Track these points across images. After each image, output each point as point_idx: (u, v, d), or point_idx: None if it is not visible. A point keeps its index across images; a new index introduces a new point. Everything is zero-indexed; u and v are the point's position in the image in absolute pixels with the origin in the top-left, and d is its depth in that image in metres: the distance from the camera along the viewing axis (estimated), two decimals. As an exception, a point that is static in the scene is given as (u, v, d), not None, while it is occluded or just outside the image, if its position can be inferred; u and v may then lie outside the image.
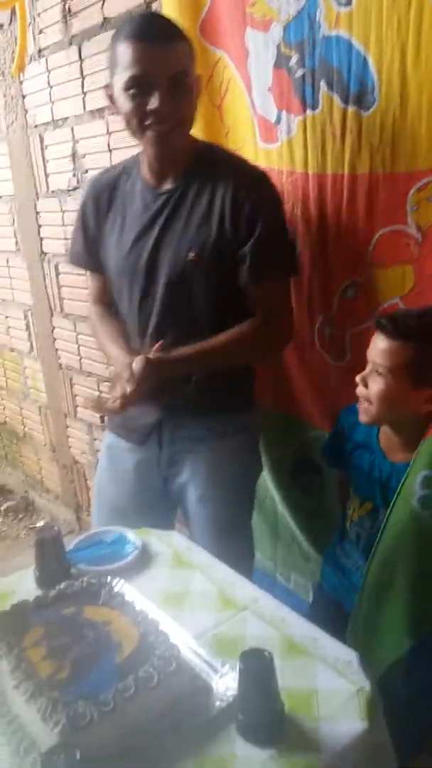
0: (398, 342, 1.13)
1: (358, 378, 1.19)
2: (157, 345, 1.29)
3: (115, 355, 1.40)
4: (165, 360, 1.27)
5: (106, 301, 1.50)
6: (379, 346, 1.15)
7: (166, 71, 1.15)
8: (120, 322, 1.47)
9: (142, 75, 1.15)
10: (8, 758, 0.81)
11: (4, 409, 3.28)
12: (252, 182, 1.30)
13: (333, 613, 1.29)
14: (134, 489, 1.51)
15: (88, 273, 1.55)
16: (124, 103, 1.21)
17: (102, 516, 1.57)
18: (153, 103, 1.16)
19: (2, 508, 3.16)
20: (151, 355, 1.26)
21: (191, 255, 1.28)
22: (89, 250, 1.47)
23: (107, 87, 1.25)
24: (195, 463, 1.44)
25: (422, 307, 1.21)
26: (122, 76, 1.18)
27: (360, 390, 1.19)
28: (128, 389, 1.22)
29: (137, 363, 1.23)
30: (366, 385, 1.18)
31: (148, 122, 1.20)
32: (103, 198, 1.41)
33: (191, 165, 1.31)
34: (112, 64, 1.22)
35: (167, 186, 1.33)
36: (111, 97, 1.25)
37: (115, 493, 1.54)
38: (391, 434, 1.23)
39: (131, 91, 1.18)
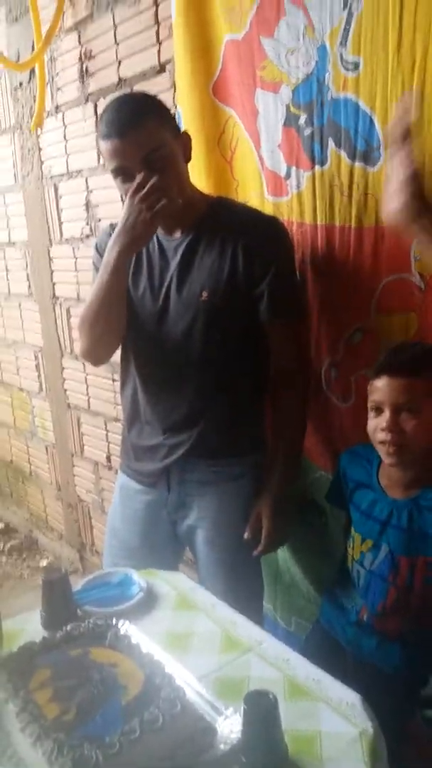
0: (414, 376, 1.15)
1: (383, 426, 1.17)
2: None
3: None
4: (279, 500, 1.42)
5: None
6: (393, 386, 1.16)
7: (138, 155, 1.25)
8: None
9: (121, 166, 1.28)
10: (13, 801, 0.82)
11: (11, 448, 3.30)
12: (268, 227, 1.37)
13: (328, 647, 1.29)
14: (144, 529, 1.52)
15: None
16: (119, 187, 1.33)
17: (113, 554, 1.59)
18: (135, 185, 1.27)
19: (6, 546, 3.16)
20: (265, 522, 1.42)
21: (204, 295, 1.33)
22: None
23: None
24: (203, 505, 1.45)
25: (410, 343, 1.26)
26: (109, 167, 1.31)
27: (389, 437, 1.17)
28: None
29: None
30: (395, 430, 1.16)
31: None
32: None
33: (203, 215, 1.38)
34: (102, 155, 1.34)
35: (176, 235, 1.39)
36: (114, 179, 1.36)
37: (125, 532, 1.56)
38: (395, 472, 1.24)
39: (119, 179, 1.31)
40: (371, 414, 1.21)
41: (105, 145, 1.28)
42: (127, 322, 1.43)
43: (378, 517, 1.24)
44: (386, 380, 1.17)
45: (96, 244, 1.52)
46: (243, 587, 1.47)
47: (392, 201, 1.06)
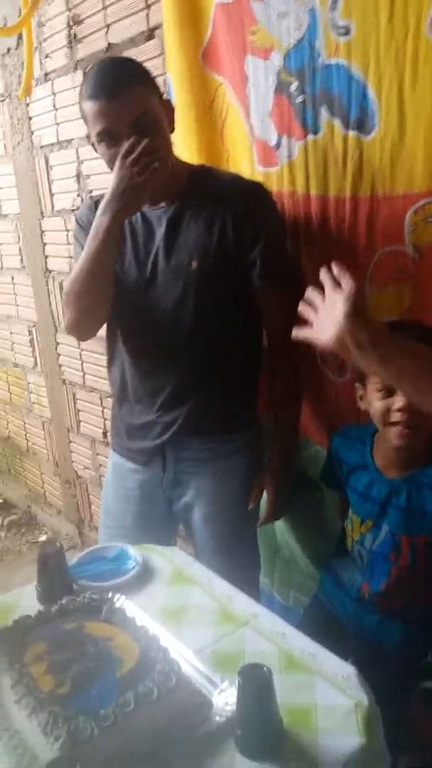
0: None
1: (400, 406, 1.13)
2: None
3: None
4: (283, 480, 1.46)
5: None
6: None
7: (127, 119, 1.21)
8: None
9: (108, 128, 1.23)
10: (10, 772, 0.82)
11: (8, 424, 3.30)
12: (255, 193, 1.35)
13: (325, 622, 1.30)
14: (138, 508, 1.52)
15: None
16: (103, 152, 1.28)
17: (108, 533, 1.59)
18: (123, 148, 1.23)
19: (5, 522, 3.17)
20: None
21: (193, 264, 1.31)
22: None
23: (88, 137, 1.31)
24: (199, 483, 1.45)
25: (407, 321, 1.25)
26: (93, 131, 1.26)
27: (405, 418, 1.14)
28: None
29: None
30: (411, 410, 1.13)
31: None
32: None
33: (187, 185, 1.35)
34: (84, 117, 1.29)
35: (160, 205, 1.36)
36: (93, 145, 1.32)
37: (120, 511, 1.56)
38: (392, 451, 1.23)
39: (103, 143, 1.26)
40: (378, 395, 1.17)
41: (91, 107, 1.23)
42: (113, 297, 1.39)
43: (376, 497, 1.23)
44: None
45: (77, 218, 1.48)
46: (240, 562, 1.48)
47: (328, 326, 1.02)
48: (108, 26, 1.86)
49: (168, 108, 1.32)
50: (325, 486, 1.46)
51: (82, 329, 1.44)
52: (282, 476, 1.46)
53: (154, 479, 1.48)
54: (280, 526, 1.70)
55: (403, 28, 1.14)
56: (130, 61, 1.34)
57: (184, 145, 1.65)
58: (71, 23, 2.00)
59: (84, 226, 1.41)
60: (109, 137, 1.24)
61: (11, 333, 2.98)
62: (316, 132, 1.34)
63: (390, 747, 0.89)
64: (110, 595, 1.09)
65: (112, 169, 1.26)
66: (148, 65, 1.74)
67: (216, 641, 1.05)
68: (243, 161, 1.53)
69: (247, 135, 1.49)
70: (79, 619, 1.04)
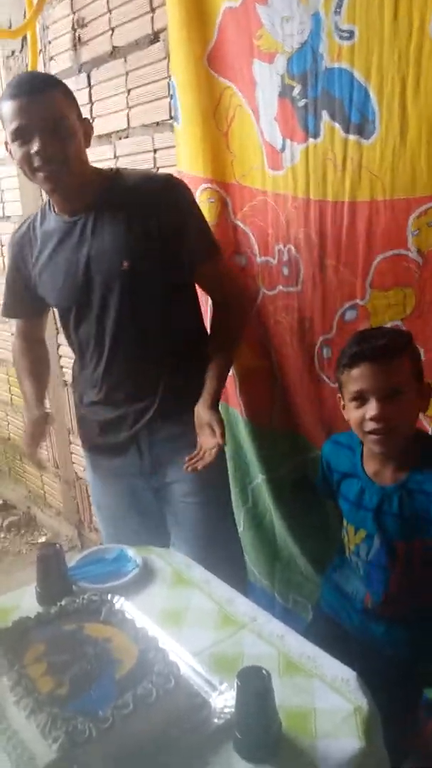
0: (394, 360, 1.13)
1: (373, 416, 1.12)
2: None
3: (28, 399, 1.55)
4: (212, 411, 1.37)
5: (33, 338, 1.64)
6: (376, 374, 1.13)
7: (41, 118, 1.27)
8: (39, 359, 1.62)
9: (23, 125, 1.28)
10: (8, 773, 0.82)
11: (8, 425, 3.30)
12: (165, 186, 1.39)
13: (331, 632, 1.29)
14: (127, 500, 1.56)
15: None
16: (16, 152, 1.33)
17: (107, 525, 1.63)
18: (34, 147, 1.28)
19: (4, 523, 3.17)
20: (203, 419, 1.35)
21: (125, 264, 1.35)
22: (24, 302, 1.58)
23: (6, 143, 1.36)
24: (177, 464, 1.45)
25: (377, 329, 1.28)
26: (9, 130, 1.31)
27: (380, 426, 1.13)
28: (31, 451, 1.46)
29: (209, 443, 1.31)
30: (384, 418, 1.13)
31: (35, 165, 1.31)
32: (27, 248, 1.51)
33: (100, 190, 1.40)
34: (2, 121, 1.34)
35: (79, 213, 1.40)
36: (10, 151, 1.36)
37: (111, 503, 1.59)
38: (381, 458, 1.22)
39: (17, 142, 1.31)
40: (352, 404, 1.16)
41: (8, 106, 1.28)
42: (60, 315, 1.50)
43: (368, 505, 1.22)
44: (367, 368, 1.13)
45: (9, 263, 1.57)
46: (222, 539, 1.50)
47: None
48: (113, 29, 1.87)
49: (86, 125, 1.39)
50: (322, 496, 1.45)
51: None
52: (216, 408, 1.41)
53: (132, 468, 1.51)
54: (280, 528, 1.70)
55: (407, 31, 1.15)
56: (52, 76, 1.44)
57: (188, 149, 1.66)
58: (76, 26, 2.01)
59: (15, 270, 1.54)
60: (21, 134, 1.29)
61: (11, 334, 2.98)
62: (316, 136, 1.35)
63: (395, 752, 0.89)
64: (110, 596, 1.09)
65: (21, 170, 1.34)
66: (153, 68, 1.77)
67: (215, 643, 1.05)
68: (253, 164, 1.53)
69: (259, 138, 1.49)
70: (78, 620, 1.04)
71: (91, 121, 1.45)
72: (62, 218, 1.43)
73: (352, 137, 1.28)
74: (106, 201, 1.38)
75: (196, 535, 1.49)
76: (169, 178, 1.44)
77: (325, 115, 1.32)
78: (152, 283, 1.38)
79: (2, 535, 3.09)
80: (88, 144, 1.39)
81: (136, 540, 1.45)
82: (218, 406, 1.40)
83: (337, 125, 1.30)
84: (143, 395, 1.43)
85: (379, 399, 1.12)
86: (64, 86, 1.36)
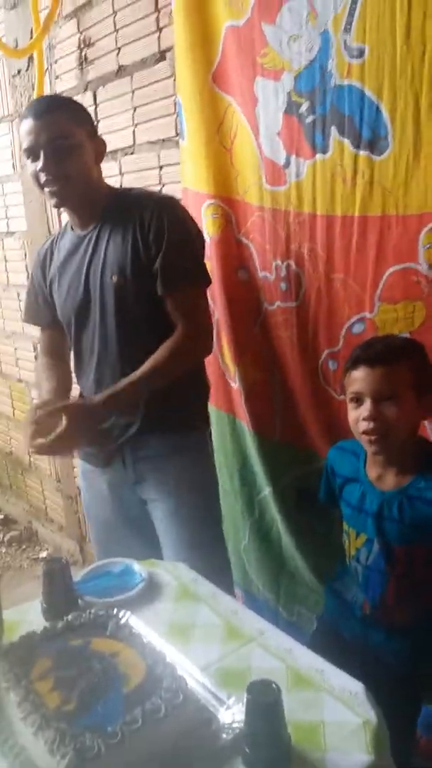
0: (392, 364, 1.16)
1: (365, 416, 1.17)
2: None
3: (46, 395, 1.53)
4: (90, 405, 1.36)
5: (55, 353, 1.64)
6: (373, 376, 1.16)
7: (47, 138, 1.36)
8: (63, 374, 1.60)
9: (31, 145, 1.38)
10: (16, 790, 0.82)
11: (10, 439, 3.30)
12: (157, 205, 1.41)
13: (333, 642, 1.29)
14: (116, 506, 1.58)
15: (41, 330, 1.69)
16: (28, 168, 1.43)
17: (98, 534, 1.65)
18: (39, 164, 1.38)
19: (5, 538, 3.16)
20: (72, 402, 1.38)
21: (114, 278, 1.41)
22: (40, 309, 1.63)
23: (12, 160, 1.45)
24: (159, 479, 1.50)
25: (382, 336, 1.30)
26: (22, 148, 1.41)
27: (372, 426, 1.17)
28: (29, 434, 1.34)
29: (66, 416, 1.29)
30: (377, 419, 1.16)
31: (41, 181, 1.40)
32: (47, 260, 1.59)
33: (108, 207, 1.45)
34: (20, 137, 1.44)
35: (89, 228, 1.47)
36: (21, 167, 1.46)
37: (102, 511, 1.61)
38: (382, 463, 1.24)
39: (29, 160, 1.41)
40: (351, 405, 1.21)
41: (22, 126, 1.39)
42: (66, 327, 1.55)
43: (368, 510, 1.23)
44: (365, 370, 1.17)
45: (32, 273, 1.64)
46: (210, 560, 1.49)
47: None
48: (119, 48, 1.90)
49: (98, 143, 1.45)
50: (324, 502, 1.45)
51: None
52: (89, 412, 1.36)
53: (118, 477, 1.53)
54: (285, 541, 1.69)
55: (420, 48, 1.16)
56: (66, 98, 1.54)
57: (194, 165, 1.68)
58: (82, 45, 2.04)
59: (35, 279, 1.62)
60: (30, 153, 1.39)
61: (15, 349, 2.99)
62: (324, 151, 1.37)
63: (396, 761, 0.88)
64: (116, 611, 1.08)
65: (36, 186, 1.41)
66: (158, 86, 1.80)
67: (222, 658, 1.04)
68: (251, 180, 1.55)
69: (257, 154, 1.51)
70: (85, 635, 1.03)
71: (101, 140, 1.48)
72: (75, 233, 1.51)
73: (362, 153, 1.30)
74: (110, 216, 1.44)
75: (182, 548, 1.50)
76: (165, 199, 1.47)
77: (334, 131, 1.34)
78: (140, 300, 1.41)
79: (3, 550, 3.08)
80: (99, 161, 1.46)
81: (126, 547, 1.47)
82: (105, 404, 1.36)
83: (346, 141, 1.32)
84: (128, 410, 1.43)
85: (373, 400, 1.16)
86: (75, 108, 1.44)
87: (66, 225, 1.57)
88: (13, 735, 0.89)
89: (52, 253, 1.57)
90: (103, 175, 2.06)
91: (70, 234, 1.53)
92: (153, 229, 1.38)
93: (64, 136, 1.36)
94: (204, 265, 1.47)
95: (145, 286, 1.40)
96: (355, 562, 1.27)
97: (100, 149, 1.46)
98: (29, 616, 1.18)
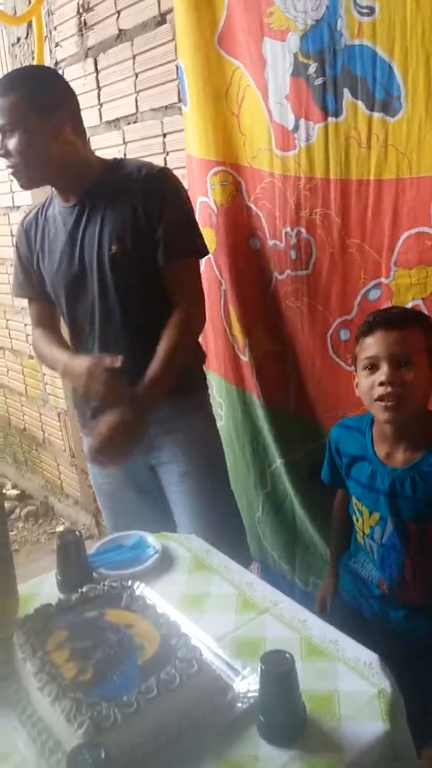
0: (407, 328, 1.15)
1: (382, 380, 1.14)
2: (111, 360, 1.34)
3: (66, 359, 1.46)
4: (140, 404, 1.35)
5: (47, 324, 1.61)
6: (389, 340, 1.15)
7: (3, 118, 1.35)
8: (64, 343, 1.57)
9: None
10: (34, 758, 0.83)
11: (23, 415, 3.32)
12: (156, 177, 1.40)
13: (352, 619, 1.29)
14: (125, 475, 1.58)
15: (28, 302, 1.66)
16: None
17: (106, 503, 1.67)
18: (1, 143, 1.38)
19: (22, 513, 3.19)
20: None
21: (113, 248, 1.39)
22: (29, 281, 1.59)
23: None
24: (173, 443, 1.50)
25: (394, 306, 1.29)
26: None
27: (389, 390, 1.14)
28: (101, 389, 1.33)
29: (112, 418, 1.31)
30: (394, 383, 1.14)
31: (7, 165, 1.42)
32: (31, 232, 1.56)
33: (99, 179, 1.43)
34: None
35: (75, 201, 1.45)
36: None
37: (108, 480, 1.61)
38: (391, 439, 1.22)
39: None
40: (364, 373, 1.18)
41: None
42: (55, 298, 1.53)
43: (380, 488, 1.22)
44: (381, 334, 1.16)
45: (16, 244, 1.60)
46: (219, 521, 1.51)
47: None
48: (119, 12, 1.85)
49: (70, 116, 1.40)
50: (328, 485, 1.43)
51: None
52: (129, 416, 1.35)
53: None
54: (299, 513, 1.69)
55: (430, 5, 1.12)
56: (29, 74, 1.47)
57: (198, 131, 1.64)
58: (81, 10, 1.99)
59: (22, 251, 1.58)
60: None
61: (25, 325, 2.99)
62: (337, 114, 1.32)
63: (417, 735, 0.89)
64: (130, 582, 1.09)
65: None
66: (160, 51, 1.75)
67: (236, 628, 1.05)
68: (260, 145, 1.51)
69: (266, 119, 1.47)
70: (99, 606, 1.04)
71: (75, 109, 1.44)
72: (62, 205, 1.48)
73: (377, 115, 1.26)
74: (102, 189, 1.42)
75: (195, 513, 1.50)
76: (162, 171, 1.44)
77: (346, 93, 1.29)
78: (140, 270, 1.40)
79: (20, 525, 3.12)
80: (78, 132, 1.42)
81: (136, 517, 1.49)
82: (151, 395, 1.36)
83: (360, 103, 1.28)
84: (132, 377, 1.41)
85: (390, 364, 1.14)
86: (35, 83, 1.38)
87: (51, 196, 1.54)
88: (30, 704, 0.91)
89: (37, 225, 1.54)
90: (107, 144, 2.05)
91: (57, 205, 1.50)
92: (153, 200, 1.37)
93: (18, 118, 1.34)
94: (202, 236, 1.46)
95: (145, 256, 1.39)
96: (369, 540, 1.26)
97: (73, 123, 1.41)
98: (44, 589, 1.20)
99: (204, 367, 1.60)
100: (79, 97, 2.07)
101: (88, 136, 2.12)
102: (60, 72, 2.16)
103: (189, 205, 1.45)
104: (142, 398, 1.34)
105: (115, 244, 1.39)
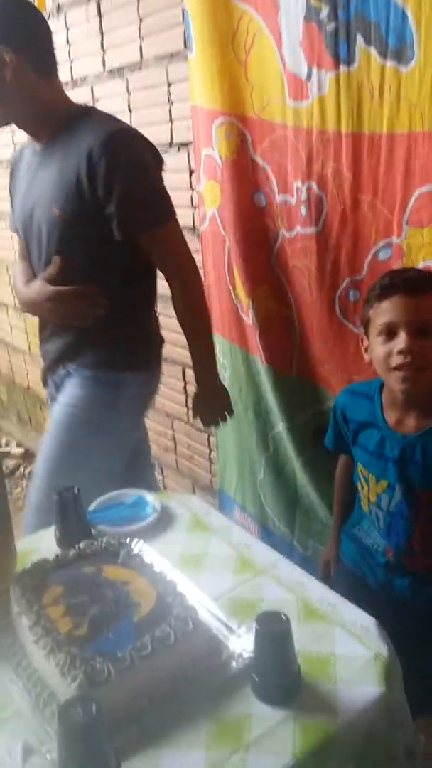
0: (427, 294, 1.10)
1: (401, 348, 1.09)
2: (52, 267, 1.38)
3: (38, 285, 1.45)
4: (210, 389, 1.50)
5: (27, 258, 1.56)
6: (409, 306, 1.10)
7: None
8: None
9: None
10: (29, 709, 0.83)
11: (27, 374, 3.31)
12: (109, 138, 1.29)
13: (355, 585, 1.28)
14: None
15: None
16: None
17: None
18: None
19: (26, 471, 3.21)
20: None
21: (56, 212, 1.35)
22: (12, 214, 1.57)
23: None
24: (72, 384, 1.50)
25: (407, 267, 1.24)
26: None
27: (408, 359, 1.10)
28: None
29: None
30: (414, 352, 1.09)
31: None
32: (14, 167, 1.55)
33: (64, 125, 1.35)
34: None
35: (42, 144, 1.40)
36: None
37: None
38: (402, 406, 1.19)
39: None
40: (379, 339, 1.13)
41: None
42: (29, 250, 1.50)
43: (389, 455, 1.19)
44: (399, 300, 1.10)
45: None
46: (82, 455, 1.49)
47: None
48: None
49: (36, 56, 1.31)
50: (331, 452, 1.41)
51: None
52: (202, 390, 1.52)
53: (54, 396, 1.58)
54: (300, 477, 1.68)
55: None
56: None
57: (203, 79, 1.57)
58: None
59: (9, 187, 1.56)
60: None
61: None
62: (349, 63, 1.26)
63: (417, 701, 0.88)
64: (128, 540, 1.09)
65: None
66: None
67: (234, 588, 1.04)
68: (273, 95, 1.45)
69: (279, 67, 1.40)
70: (97, 563, 1.04)
71: (34, 48, 1.34)
72: (33, 145, 1.45)
73: (390, 64, 1.19)
74: (62, 138, 1.35)
75: (56, 437, 1.49)
76: (119, 133, 1.32)
77: (359, 39, 1.22)
78: (84, 235, 1.35)
79: (25, 483, 3.14)
80: (44, 75, 1.34)
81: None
82: (206, 372, 1.50)
83: (373, 50, 1.21)
84: (55, 337, 1.50)
85: (409, 332, 1.09)
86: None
87: None
88: (26, 657, 0.91)
89: (20, 159, 1.52)
90: (110, 93, 1.97)
91: (31, 147, 1.46)
92: (102, 167, 1.27)
93: None
94: (164, 197, 1.38)
95: (91, 224, 1.33)
96: (375, 507, 1.24)
97: (34, 61, 1.31)
98: (43, 543, 1.20)
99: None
100: (81, 44, 2.03)
101: (91, 85, 2.06)
102: (62, 17, 2.08)
103: (144, 172, 1.34)
104: (203, 379, 1.48)
105: (58, 207, 1.34)
